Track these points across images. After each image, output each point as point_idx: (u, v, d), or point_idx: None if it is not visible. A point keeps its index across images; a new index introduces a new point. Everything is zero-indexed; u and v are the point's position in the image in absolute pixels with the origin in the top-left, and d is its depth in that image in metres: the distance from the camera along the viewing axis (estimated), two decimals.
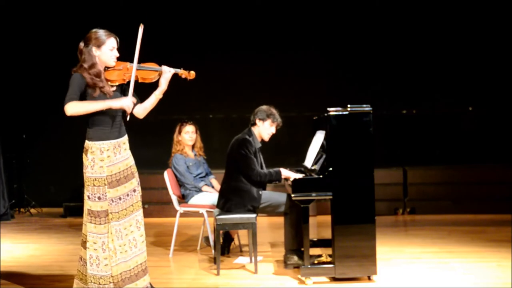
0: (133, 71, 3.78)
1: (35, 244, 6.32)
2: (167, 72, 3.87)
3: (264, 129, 5.07)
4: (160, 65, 3.92)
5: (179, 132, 5.80)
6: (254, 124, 5.09)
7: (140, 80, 3.84)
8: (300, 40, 8.45)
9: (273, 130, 5.11)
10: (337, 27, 8.40)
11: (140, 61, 3.83)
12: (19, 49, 8.66)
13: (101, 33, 3.79)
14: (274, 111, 5.10)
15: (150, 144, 7.89)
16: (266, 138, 5.12)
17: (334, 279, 4.46)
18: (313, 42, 8.43)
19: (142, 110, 3.94)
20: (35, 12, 8.61)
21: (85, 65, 3.74)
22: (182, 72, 3.98)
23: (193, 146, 5.88)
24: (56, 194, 8.76)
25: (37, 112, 8.76)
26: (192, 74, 4.01)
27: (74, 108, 3.62)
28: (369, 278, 4.46)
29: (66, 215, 8.11)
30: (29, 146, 8.74)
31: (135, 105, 3.91)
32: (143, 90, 3.95)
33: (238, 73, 8.41)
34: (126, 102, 3.73)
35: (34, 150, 8.79)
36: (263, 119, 5.05)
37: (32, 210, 8.50)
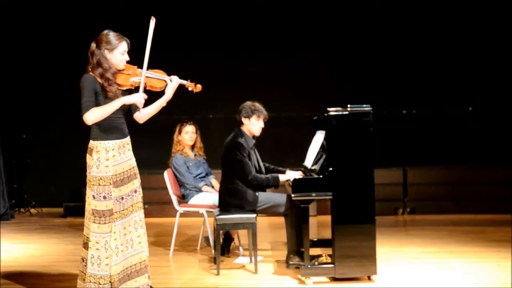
0: (144, 66, 3.78)
1: (35, 244, 6.32)
2: (174, 82, 3.89)
3: (252, 125, 5.03)
4: (168, 74, 3.92)
5: (179, 132, 5.81)
6: (241, 123, 5.06)
7: (147, 88, 3.86)
8: (300, 40, 8.45)
9: (261, 124, 5.05)
10: (338, 27, 8.40)
11: (148, 67, 3.83)
12: (20, 49, 8.66)
13: (113, 36, 3.79)
14: (257, 105, 5.05)
15: (150, 144, 7.89)
16: (257, 133, 5.08)
17: (334, 279, 4.46)
18: (313, 42, 8.43)
19: (143, 115, 3.96)
20: (36, 12, 8.60)
21: (102, 69, 3.74)
22: (189, 84, 4.01)
23: (193, 146, 5.89)
24: (56, 194, 8.76)
25: (37, 112, 8.76)
26: (198, 87, 4.03)
27: (93, 116, 3.66)
28: (369, 278, 4.46)
29: (66, 215, 8.11)
30: (29, 146, 8.74)
31: (137, 109, 3.92)
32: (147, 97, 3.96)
33: (238, 73, 8.41)
34: (138, 98, 3.76)
35: (34, 150, 8.79)
36: (248, 116, 5.01)
37: (32, 210, 8.50)
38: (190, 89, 4.03)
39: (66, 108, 8.22)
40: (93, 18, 8.21)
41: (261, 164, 5.18)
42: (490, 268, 4.75)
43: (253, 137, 5.09)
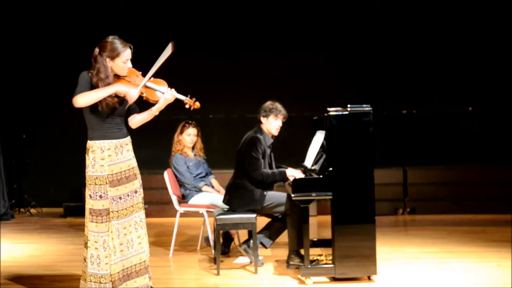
0: (151, 73, 3.76)
1: (35, 244, 6.32)
2: (170, 95, 3.83)
3: (270, 124, 5.07)
4: (169, 86, 3.88)
5: (181, 132, 5.79)
6: (260, 122, 5.11)
7: (144, 98, 3.84)
8: (300, 40, 8.44)
9: (279, 123, 5.10)
10: (337, 27, 8.40)
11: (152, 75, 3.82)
12: (20, 49, 8.66)
13: (118, 44, 3.76)
14: (276, 104, 5.10)
15: (150, 144, 7.89)
16: (275, 132, 5.12)
17: (334, 279, 4.46)
18: (313, 42, 8.43)
19: (135, 121, 3.95)
20: (36, 12, 8.60)
21: (99, 76, 3.73)
22: (187, 101, 3.93)
23: (193, 147, 5.88)
24: (56, 194, 8.76)
25: (37, 112, 8.76)
26: (196, 105, 3.95)
27: (83, 98, 3.64)
28: (369, 278, 4.46)
29: (66, 215, 8.11)
30: (29, 146, 8.74)
31: (133, 113, 3.91)
32: (140, 103, 3.95)
33: (238, 73, 8.40)
34: (133, 92, 3.72)
35: (34, 150, 8.79)
36: (266, 116, 5.07)
37: (32, 210, 8.50)
38: (187, 106, 3.94)
39: (66, 108, 8.24)
40: (94, 18, 8.21)
41: (274, 164, 5.21)
42: (490, 268, 4.75)
43: (272, 136, 5.13)
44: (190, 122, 5.83)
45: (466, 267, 4.82)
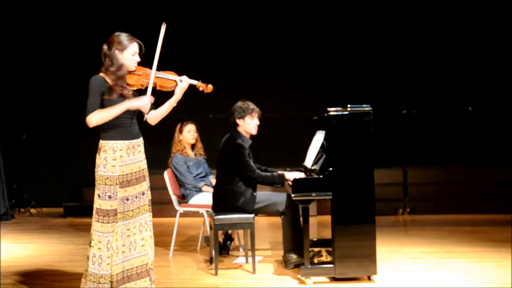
0: (153, 71, 3.79)
1: (35, 244, 6.33)
2: (184, 82, 3.88)
3: (247, 125, 4.98)
4: (179, 75, 3.91)
5: (180, 132, 5.81)
6: (237, 125, 5.01)
7: (158, 88, 3.86)
8: (300, 40, 8.45)
9: (256, 122, 5.00)
10: (337, 27, 8.40)
11: (158, 68, 3.83)
12: (20, 49, 8.66)
13: (124, 37, 3.81)
14: (248, 104, 4.99)
15: (150, 144, 7.86)
16: (254, 132, 5.02)
17: (334, 279, 4.46)
18: (313, 42, 8.43)
19: (154, 117, 3.95)
20: (36, 12, 8.60)
21: (113, 68, 3.75)
22: (200, 85, 3.99)
23: (193, 146, 5.89)
24: (56, 194, 8.75)
25: (37, 112, 8.76)
26: (209, 88, 4.02)
27: (96, 119, 3.69)
28: (369, 278, 4.46)
29: (66, 215, 8.12)
30: (29, 146, 8.74)
31: (150, 109, 3.92)
32: (157, 98, 3.95)
33: (239, 73, 8.40)
34: (143, 102, 3.77)
35: (34, 150, 8.79)
36: (241, 117, 4.96)
37: (32, 210, 8.50)
38: (201, 89, 4.01)
39: (66, 108, 8.26)
40: (95, 18, 8.22)
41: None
42: (490, 268, 4.75)
43: (250, 136, 5.06)
44: (186, 120, 5.87)
45: (466, 267, 4.82)
